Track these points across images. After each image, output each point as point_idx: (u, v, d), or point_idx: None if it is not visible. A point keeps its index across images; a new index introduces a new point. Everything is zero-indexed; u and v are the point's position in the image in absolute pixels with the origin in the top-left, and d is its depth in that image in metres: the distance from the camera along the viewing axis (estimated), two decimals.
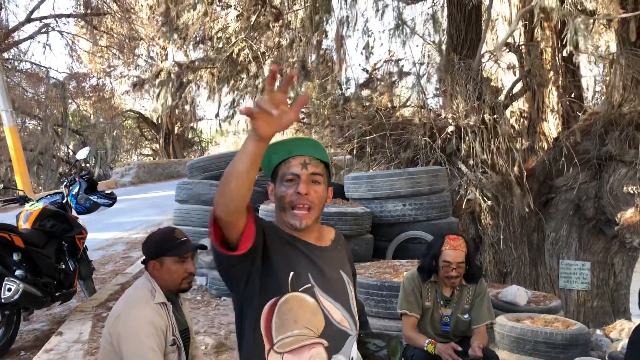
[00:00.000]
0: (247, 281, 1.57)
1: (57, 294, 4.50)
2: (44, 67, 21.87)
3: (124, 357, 2.23)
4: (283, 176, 1.63)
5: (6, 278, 3.89)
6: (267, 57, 9.53)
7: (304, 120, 9.65)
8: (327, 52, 9.84)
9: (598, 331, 4.93)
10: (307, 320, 1.57)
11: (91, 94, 24.06)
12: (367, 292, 4.57)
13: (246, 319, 1.61)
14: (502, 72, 9.35)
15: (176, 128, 28.38)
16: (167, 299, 2.39)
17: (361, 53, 9.41)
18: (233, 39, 9.30)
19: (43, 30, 20.21)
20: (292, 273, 1.58)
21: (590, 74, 11.15)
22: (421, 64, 9.70)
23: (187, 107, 22.74)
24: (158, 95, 9.60)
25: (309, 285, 1.60)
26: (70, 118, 23.96)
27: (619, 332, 4.86)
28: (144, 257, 2.48)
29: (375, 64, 9.55)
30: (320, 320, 1.59)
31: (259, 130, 1.33)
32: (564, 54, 7.36)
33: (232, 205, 1.41)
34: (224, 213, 1.42)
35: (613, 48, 9.50)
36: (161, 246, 2.41)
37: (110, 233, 9.69)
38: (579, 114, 8.86)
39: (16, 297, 3.86)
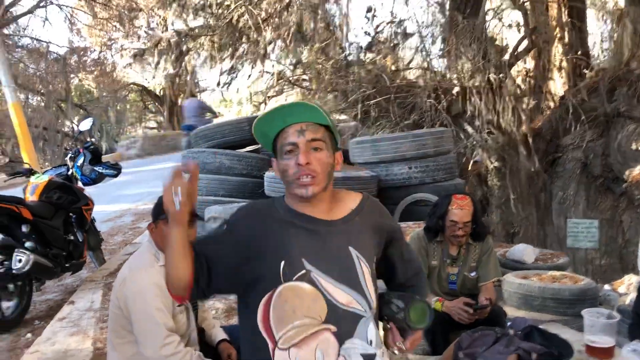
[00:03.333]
0: (237, 291, 1.59)
1: (67, 265, 4.55)
2: (44, 41, 21.71)
3: (132, 318, 2.26)
4: (282, 148, 1.54)
5: (16, 249, 3.93)
6: (267, 23, 9.39)
7: (306, 85, 9.56)
8: (328, 16, 9.67)
9: (606, 286, 4.93)
10: (307, 308, 1.46)
11: (93, 68, 23.91)
12: None
13: (245, 320, 1.55)
14: (507, 31, 9.17)
15: (179, 100, 28.23)
16: None
17: (364, 16, 9.22)
18: (232, 5, 9.15)
19: (42, 4, 19.96)
20: (282, 263, 1.48)
21: (597, 31, 10.92)
22: (425, 26, 9.54)
23: (188, 78, 22.58)
24: (157, 64, 9.52)
25: (304, 271, 1.48)
26: (73, 93, 23.87)
27: (627, 286, 4.86)
28: None
29: (377, 26, 9.38)
30: (321, 305, 1.47)
31: (176, 216, 1.40)
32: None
33: (182, 284, 1.47)
34: (181, 290, 1.48)
35: (621, 3, 9.29)
36: (157, 209, 2.43)
37: (118, 205, 9.75)
38: (586, 71, 8.71)
39: (27, 267, 3.90)
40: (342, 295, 1.50)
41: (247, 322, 1.53)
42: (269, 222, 1.55)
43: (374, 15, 9.47)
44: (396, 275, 1.76)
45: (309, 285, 1.47)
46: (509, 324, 2.68)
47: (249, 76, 9.96)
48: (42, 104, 21.44)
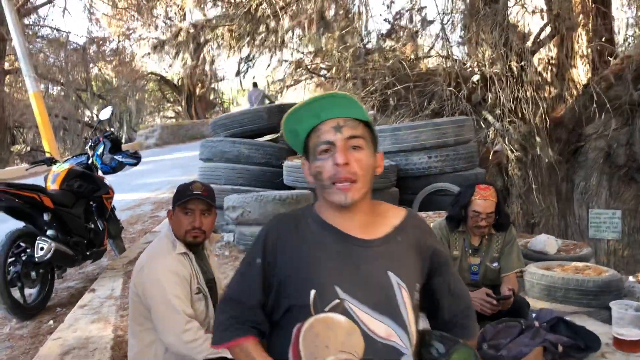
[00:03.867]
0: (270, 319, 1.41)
1: (88, 253, 4.58)
2: (64, 31, 21.90)
3: (151, 306, 2.26)
4: (315, 148, 1.34)
5: (38, 237, 3.96)
6: (285, 11, 9.34)
7: (324, 74, 9.50)
8: (347, 3, 9.57)
9: (631, 278, 4.85)
10: (342, 343, 1.26)
11: (112, 58, 24.07)
12: None
13: (274, 340, 1.40)
14: (529, 17, 9.01)
15: (198, 89, 28.33)
16: (189, 250, 2.40)
17: (383, 3, 9.11)
18: None
19: None
20: (313, 292, 1.29)
21: (623, 16, 10.67)
22: (445, 13, 9.41)
23: (207, 67, 22.63)
24: (176, 54, 9.54)
25: (337, 301, 1.29)
26: (93, 82, 24.08)
27: None
28: None
29: (397, 13, 9.27)
30: (358, 339, 1.27)
31: None
32: None
33: None
34: None
35: None
36: (175, 196, 2.45)
37: (137, 194, 9.81)
38: (610, 58, 8.53)
39: (49, 255, 3.93)
40: (381, 327, 1.31)
41: (275, 344, 1.39)
42: (298, 242, 1.37)
43: (392, 2, 9.38)
44: (440, 311, 1.49)
45: (342, 317, 1.28)
46: (534, 315, 2.64)
47: (268, 65, 9.95)
48: (62, 93, 21.66)
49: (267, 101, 10.97)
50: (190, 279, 2.33)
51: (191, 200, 2.38)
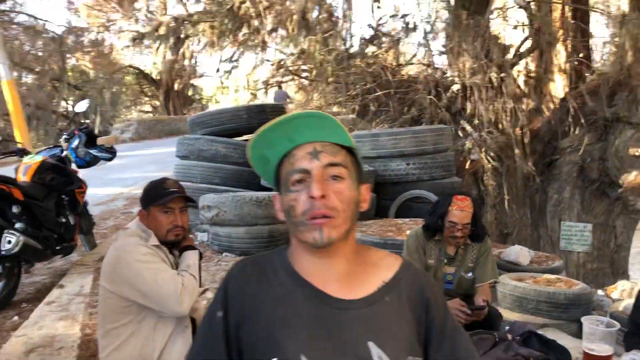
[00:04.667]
0: None
1: (57, 248, 4.47)
2: (42, 19, 21.48)
3: (141, 290, 2.21)
4: (287, 178, 1.10)
5: (6, 230, 3.85)
6: (269, 11, 9.29)
7: (306, 76, 9.49)
8: (330, 6, 9.59)
9: (599, 291, 4.94)
10: None
11: (90, 49, 23.68)
12: None
13: None
14: (511, 30, 9.14)
15: (176, 85, 28.07)
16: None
17: (367, 8, 9.15)
18: None
19: None
20: None
21: (600, 34, 10.92)
22: (428, 21, 9.48)
23: (186, 63, 22.45)
24: (157, 49, 9.42)
25: None
26: (69, 73, 23.65)
27: (620, 292, 4.87)
28: None
29: (380, 19, 9.31)
30: None
31: None
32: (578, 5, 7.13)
33: None
34: None
35: (625, 7, 9.26)
36: (148, 195, 2.39)
37: (111, 189, 9.66)
38: (587, 74, 8.70)
39: (16, 249, 3.82)
40: None
41: None
42: (262, 297, 1.11)
43: (377, 7, 9.41)
44: None
45: None
46: (507, 328, 2.66)
47: (254, 67, 9.89)
48: (37, 82, 21.23)
49: (288, 100, 11.32)
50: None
51: (169, 196, 2.35)
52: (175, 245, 2.44)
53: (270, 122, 1.09)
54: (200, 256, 2.51)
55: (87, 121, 5.66)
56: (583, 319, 2.49)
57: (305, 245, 1.09)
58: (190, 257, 2.43)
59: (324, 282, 1.11)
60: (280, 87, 14.94)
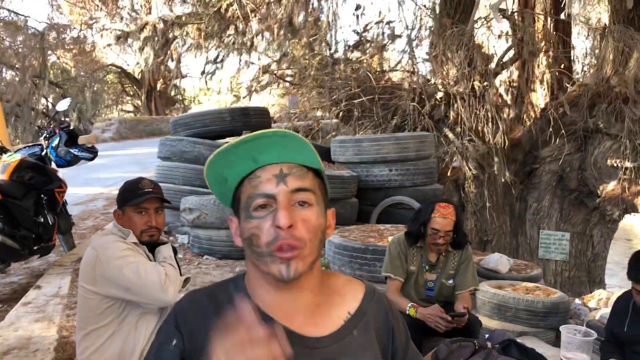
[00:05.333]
0: None
1: (35, 248, 4.41)
2: (23, 15, 21.18)
3: (125, 285, 2.19)
4: (249, 202, 0.98)
5: None
6: (255, 14, 9.28)
7: (290, 80, 9.49)
8: (316, 12, 9.62)
9: (577, 300, 5.01)
10: None
11: (72, 46, 23.40)
12: (351, 255, 4.56)
13: None
14: (494, 40, 9.26)
15: (159, 85, 27.87)
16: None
17: (353, 14, 9.21)
18: None
19: None
20: None
21: (581, 46, 11.11)
22: (412, 28, 9.55)
23: (171, 64, 22.29)
24: (142, 49, 9.34)
25: None
26: (50, 70, 23.34)
27: (597, 301, 4.95)
28: None
29: (366, 25, 9.37)
30: None
31: None
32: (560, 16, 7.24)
33: None
34: None
35: (605, 20, 9.44)
36: (123, 195, 2.38)
37: (91, 188, 9.55)
38: (568, 85, 8.84)
39: None
40: None
41: None
42: (217, 335, 0.89)
43: (362, 14, 9.47)
44: None
45: None
46: (487, 336, 2.68)
47: (239, 69, 9.86)
48: (17, 79, 20.91)
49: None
50: None
51: (143, 197, 2.33)
52: (149, 246, 2.42)
53: (232, 141, 0.99)
54: (175, 251, 2.50)
55: (68, 119, 5.60)
56: (561, 328, 2.52)
57: (269, 278, 0.98)
58: (166, 251, 2.43)
59: (288, 317, 1.01)
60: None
